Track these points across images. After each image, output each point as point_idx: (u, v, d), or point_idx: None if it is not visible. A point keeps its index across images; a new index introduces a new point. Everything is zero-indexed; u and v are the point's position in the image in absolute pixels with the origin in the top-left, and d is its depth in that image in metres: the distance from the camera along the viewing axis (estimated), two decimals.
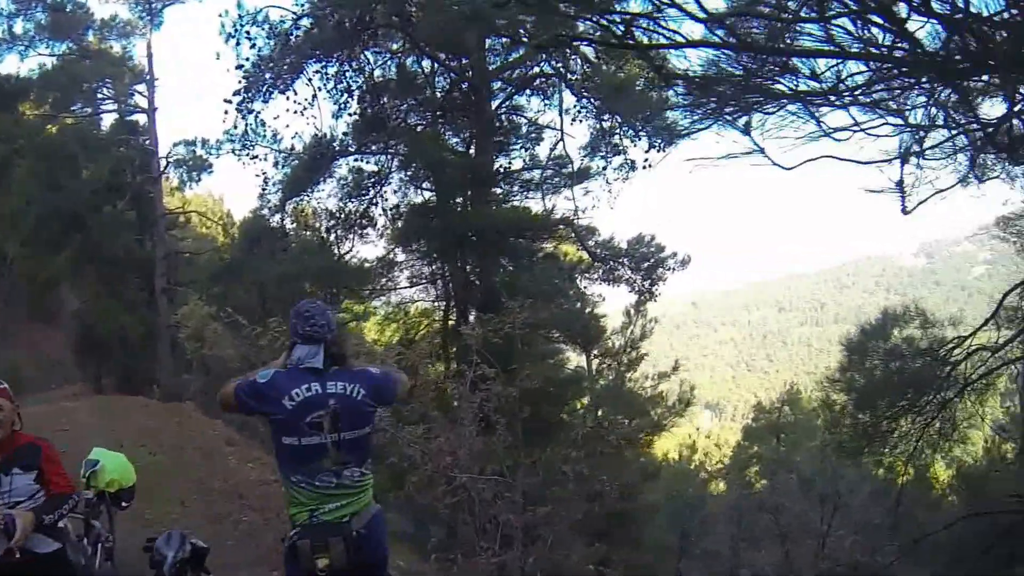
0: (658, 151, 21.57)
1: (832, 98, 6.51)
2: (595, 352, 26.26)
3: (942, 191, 6.97)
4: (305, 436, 4.60)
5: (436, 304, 24.70)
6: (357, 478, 4.77)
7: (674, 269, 25.70)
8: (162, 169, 31.87)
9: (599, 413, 24.73)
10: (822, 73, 6.41)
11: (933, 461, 16.56)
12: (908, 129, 6.94)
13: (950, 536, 15.11)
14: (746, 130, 7.14)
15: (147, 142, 32.06)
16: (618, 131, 22.83)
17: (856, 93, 6.47)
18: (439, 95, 22.95)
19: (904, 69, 6.31)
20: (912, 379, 13.22)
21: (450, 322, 22.38)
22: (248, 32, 20.71)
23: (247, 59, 20.76)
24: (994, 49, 5.88)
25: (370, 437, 4.88)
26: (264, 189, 23.56)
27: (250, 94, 21.09)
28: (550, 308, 20.28)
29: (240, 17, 20.75)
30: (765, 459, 33.30)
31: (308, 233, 25.43)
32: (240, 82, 20.80)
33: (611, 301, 28.12)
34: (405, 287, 24.82)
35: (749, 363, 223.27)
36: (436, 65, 22.24)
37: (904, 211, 6.79)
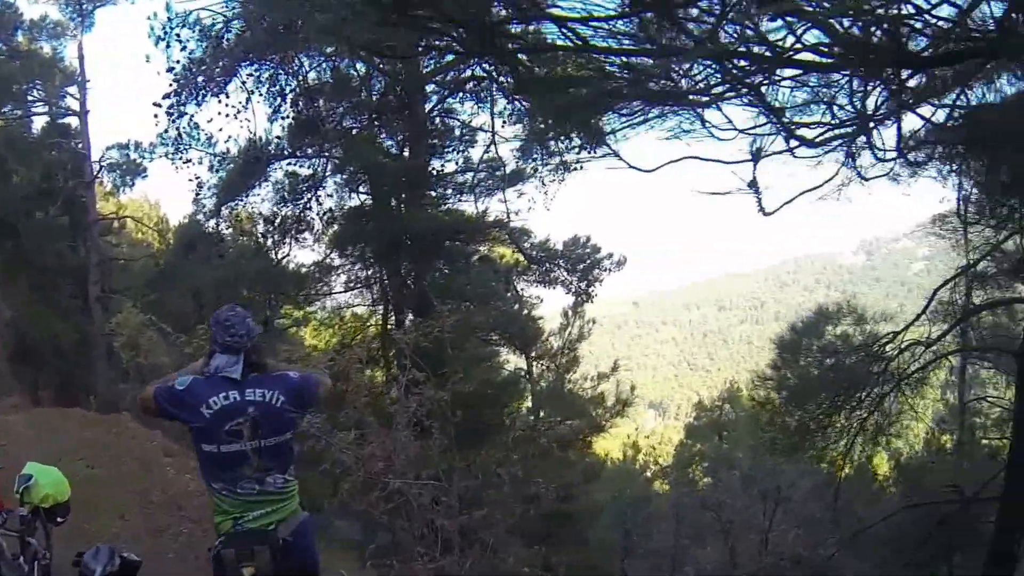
0: (588, 152, 21.62)
1: (682, 97, 6.50)
2: (534, 354, 26.22)
3: (815, 188, 6.95)
4: (224, 444, 4.57)
5: (373, 308, 24.53)
6: (280, 485, 4.75)
7: (610, 270, 25.80)
8: (95, 173, 30.96)
9: (541, 415, 24.78)
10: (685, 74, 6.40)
11: (872, 455, 16.75)
12: (764, 125, 6.93)
13: (889, 528, 15.31)
14: (598, 135, 7.16)
15: (79, 145, 31.28)
16: (550, 133, 22.81)
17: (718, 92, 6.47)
18: (374, 98, 22.79)
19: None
20: (847, 375, 13.37)
21: (389, 326, 22.24)
22: (178, 35, 20.38)
23: (178, 62, 20.44)
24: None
25: (292, 443, 4.86)
26: (198, 194, 23.19)
27: (182, 97, 20.76)
28: (486, 311, 20.27)
29: (170, 20, 20.40)
30: (708, 457, 33.59)
31: (244, 238, 25.11)
32: (171, 85, 20.48)
33: (550, 303, 28.19)
34: (341, 292, 24.58)
35: (691, 362, 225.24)
36: (371, 68, 22.05)
37: (763, 212, 6.79)
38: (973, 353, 17.63)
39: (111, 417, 22.06)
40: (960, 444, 19.40)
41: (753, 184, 6.64)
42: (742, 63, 6.09)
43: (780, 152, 6.29)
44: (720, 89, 6.37)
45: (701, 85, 6.37)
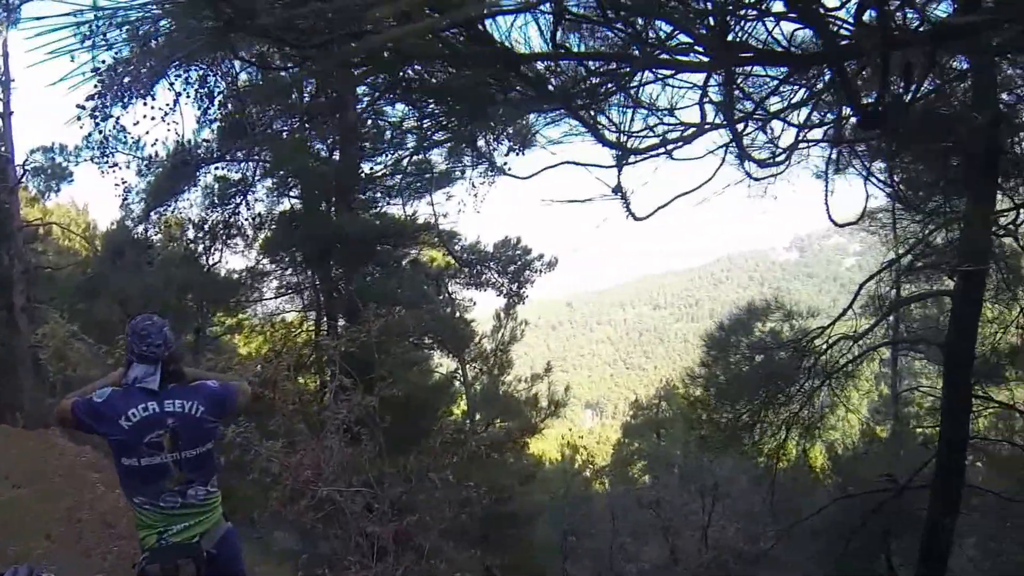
0: (517, 154, 21.52)
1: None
2: (468, 357, 26.17)
3: (686, 193, 6.96)
4: (145, 456, 4.52)
5: (305, 314, 24.27)
6: (203, 496, 4.72)
7: (541, 271, 25.63)
8: (19, 178, 29.55)
9: (477, 417, 24.77)
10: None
11: (809, 448, 16.95)
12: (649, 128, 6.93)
13: (824, 519, 15.53)
14: (472, 139, 7.16)
15: (2, 149, 30.42)
16: (479, 135, 22.67)
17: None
18: (305, 100, 22.53)
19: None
20: (778, 371, 13.51)
21: (323, 331, 22.04)
22: (104, 34, 19.92)
23: (103, 62, 19.96)
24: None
25: (213, 453, 4.84)
26: (126, 199, 22.72)
27: (107, 99, 20.32)
28: (417, 314, 20.15)
29: (96, 18, 19.91)
30: (646, 455, 33.78)
31: (174, 244, 24.73)
32: (96, 87, 20.05)
33: (483, 306, 28.19)
34: (272, 298, 24.27)
35: (627, 361, 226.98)
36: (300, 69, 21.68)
37: (634, 217, 6.80)
38: (904, 345, 17.93)
39: (38, 433, 21.60)
40: (895, 434, 19.71)
41: (618, 189, 6.63)
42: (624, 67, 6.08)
43: (657, 155, 6.25)
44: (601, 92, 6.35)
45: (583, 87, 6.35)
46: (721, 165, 6.57)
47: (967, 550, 16.26)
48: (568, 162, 6.39)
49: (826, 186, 8.40)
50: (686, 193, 6.65)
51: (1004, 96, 11.21)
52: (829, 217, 7.32)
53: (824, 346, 13.21)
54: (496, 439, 21.63)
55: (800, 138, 7.30)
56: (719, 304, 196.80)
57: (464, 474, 11.26)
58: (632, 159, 6.11)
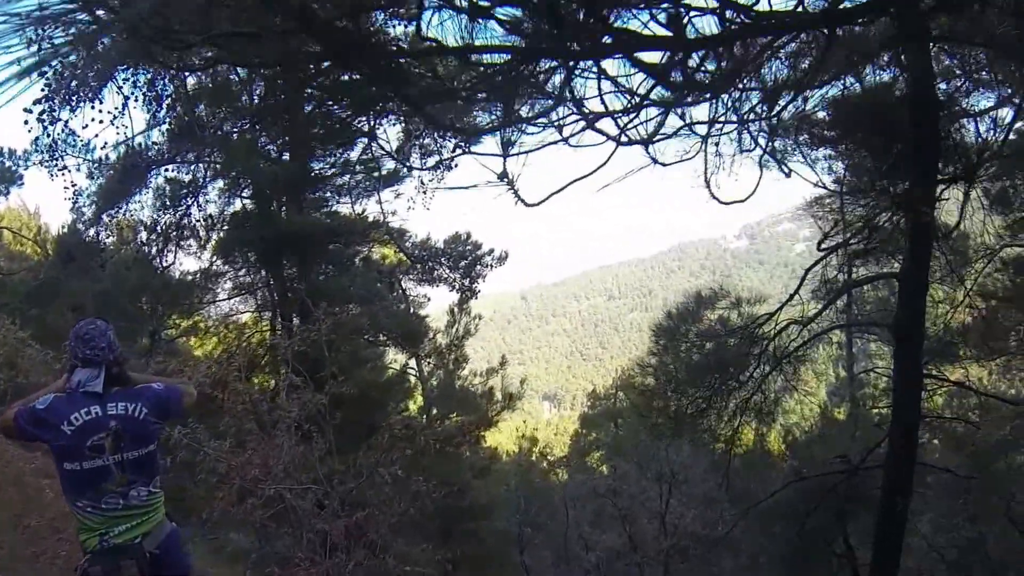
0: (463, 152, 21.47)
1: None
2: (422, 352, 26.21)
3: (581, 178, 7.06)
4: (87, 460, 4.55)
5: (259, 314, 24.15)
6: (145, 497, 4.75)
7: (492, 266, 25.69)
8: None
9: (434, 411, 24.86)
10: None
11: (765, 433, 17.17)
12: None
13: (780, 501, 15.73)
14: (371, 136, 7.41)
15: None
16: (426, 133, 22.66)
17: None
18: (254, 102, 22.42)
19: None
20: (728, 358, 13.65)
21: (277, 331, 21.98)
22: (50, 37, 19.74)
23: (50, 64, 19.78)
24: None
25: (156, 454, 4.85)
26: (76, 202, 22.47)
27: (54, 103, 20.10)
28: (372, 311, 20.17)
29: (41, 20, 19.73)
30: (604, 445, 33.97)
31: (126, 247, 24.49)
32: (43, 90, 19.82)
33: (439, 301, 28.23)
34: (225, 299, 24.08)
35: (583, 352, 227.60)
36: (250, 72, 21.65)
37: (524, 203, 6.92)
38: (857, 327, 18.21)
39: None
40: (851, 416, 20.00)
41: (504, 176, 6.73)
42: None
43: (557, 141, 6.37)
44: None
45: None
46: (616, 149, 6.70)
47: (922, 527, 16.50)
48: (465, 152, 6.53)
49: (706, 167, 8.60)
50: (581, 178, 6.76)
51: (943, 86, 11.55)
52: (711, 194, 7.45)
53: (773, 332, 13.39)
54: (451, 433, 21.72)
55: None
56: (672, 293, 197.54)
57: (419, 468, 11.34)
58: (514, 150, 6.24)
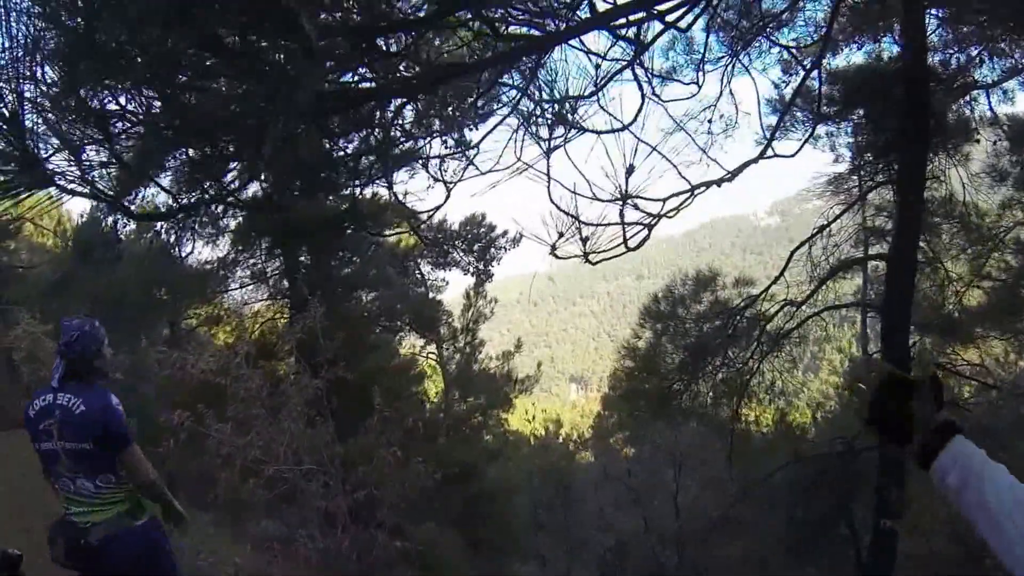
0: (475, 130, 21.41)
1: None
2: (441, 336, 26.29)
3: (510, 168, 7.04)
4: (42, 442, 4.98)
5: (275, 301, 24.20)
6: (92, 489, 5.04)
7: (506, 248, 25.78)
8: None
9: (456, 396, 24.95)
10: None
11: (769, 412, 17.17)
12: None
13: (784, 481, 15.74)
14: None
15: None
16: (446, 111, 22.53)
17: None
18: None
19: None
20: (727, 338, 13.66)
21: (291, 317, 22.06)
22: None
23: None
24: None
25: (95, 454, 5.02)
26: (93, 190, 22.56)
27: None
28: (384, 296, 20.23)
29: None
30: (626, 427, 34.00)
31: (144, 237, 24.60)
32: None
33: (457, 285, 28.25)
34: (238, 288, 23.99)
35: (611, 334, 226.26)
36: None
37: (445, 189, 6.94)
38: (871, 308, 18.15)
39: (11, 433, 21.50)
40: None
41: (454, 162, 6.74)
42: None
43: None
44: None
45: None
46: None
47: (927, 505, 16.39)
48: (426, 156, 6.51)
49: None
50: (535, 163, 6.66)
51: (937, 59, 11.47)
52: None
53: (770, 313, 13.38)
54: (469, 415, 21.77)
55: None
56: (705, 271, 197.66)
57: (430, 451, 11.47)
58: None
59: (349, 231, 22.16)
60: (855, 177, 14.40)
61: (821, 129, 13.12)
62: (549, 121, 6.28)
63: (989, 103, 12.56)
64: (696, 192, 7.04)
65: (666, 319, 14.45)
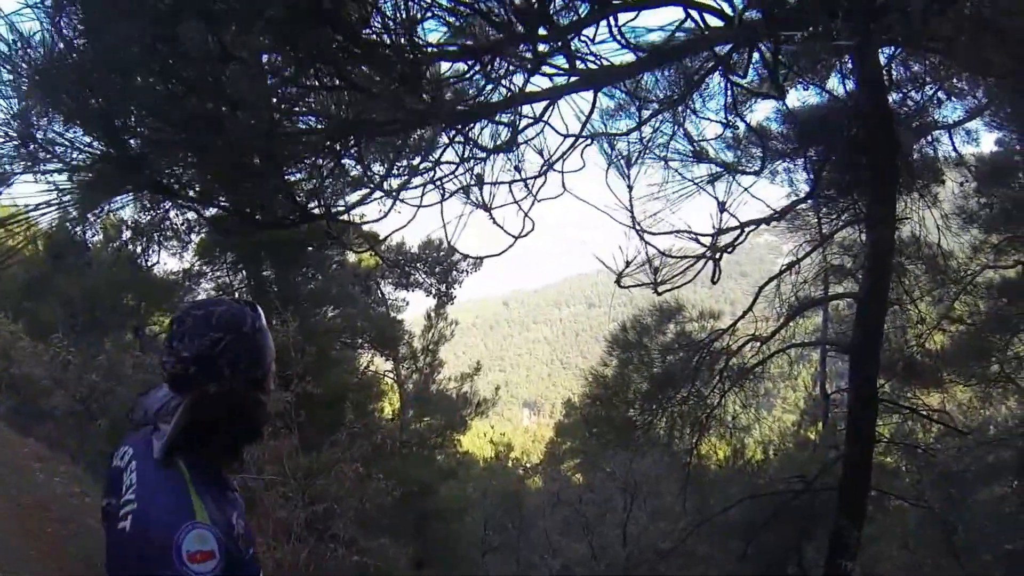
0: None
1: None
2: (400, 355, 26.27)
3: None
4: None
5: None
6: None
7: (467, 272, 25.83)
8: None
9: (410, 414, 24.87)
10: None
11: (735, 445, 17.18)
12: None
13: (739, 516, 15.70)
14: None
15: None
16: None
17: None
18: None
19: None
20: (682, 371, 13.59)
21: None
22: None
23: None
24: None
25: None
26: (61, 202, 22.43)
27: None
28: (347, 314, 20.15)
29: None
30: (578, 453, 34.04)
31: (112, 246, 24.49)
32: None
33: (418, 306, 28.22)
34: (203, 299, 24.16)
35: (563, 360, 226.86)
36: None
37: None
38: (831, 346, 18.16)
39: None
40: (821, 435, 19.95)
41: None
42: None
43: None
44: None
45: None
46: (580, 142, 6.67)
47: (882, 549, 16.40)
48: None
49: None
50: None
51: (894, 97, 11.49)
52: None
53: (733, 348, 13.33)
54: (424, 435, 21.71)
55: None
56: (653, 302, 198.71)
57: (387, 469, 11.40)
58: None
59: (310, 248, 22.17)
60: (811, 213, 14.41)
61: (779, 165, 13.12)
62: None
63: (952, 144, 12.62)
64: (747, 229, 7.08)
65: (632, 348, 14.38)
